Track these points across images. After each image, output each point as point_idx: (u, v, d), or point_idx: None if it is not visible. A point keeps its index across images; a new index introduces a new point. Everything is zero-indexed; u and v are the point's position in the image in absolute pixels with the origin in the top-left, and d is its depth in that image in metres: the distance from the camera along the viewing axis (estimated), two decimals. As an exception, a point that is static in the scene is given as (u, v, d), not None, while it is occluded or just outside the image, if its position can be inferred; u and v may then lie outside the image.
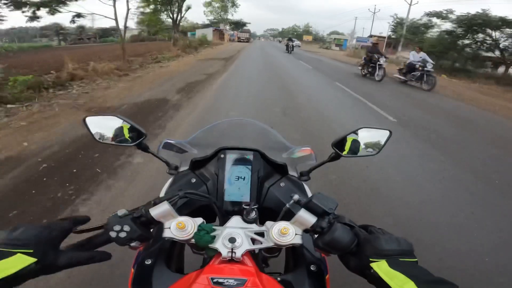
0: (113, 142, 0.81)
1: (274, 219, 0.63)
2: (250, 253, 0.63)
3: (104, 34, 41.90)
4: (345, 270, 0.59)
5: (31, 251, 0.46)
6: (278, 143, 1.01)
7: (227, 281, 0.50)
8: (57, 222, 0.54)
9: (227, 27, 64.37)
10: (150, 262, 0.67)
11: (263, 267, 0.80)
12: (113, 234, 0.55)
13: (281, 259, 0.93)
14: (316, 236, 0.60)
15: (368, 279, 0.54)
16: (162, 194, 0.81)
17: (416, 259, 0.52)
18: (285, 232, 0.57)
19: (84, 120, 0.80)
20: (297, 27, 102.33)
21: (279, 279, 0.63)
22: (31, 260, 0.46)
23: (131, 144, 0.81)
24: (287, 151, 0.97)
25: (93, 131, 0.81)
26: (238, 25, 68.52)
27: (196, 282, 0.50)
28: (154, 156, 0.87)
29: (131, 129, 0.81)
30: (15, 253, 0.45)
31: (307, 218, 0.58)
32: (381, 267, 0.50)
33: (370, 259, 0.51)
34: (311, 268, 0.68)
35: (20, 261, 0.45)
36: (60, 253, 0.51)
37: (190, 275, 0.55)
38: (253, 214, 0.65)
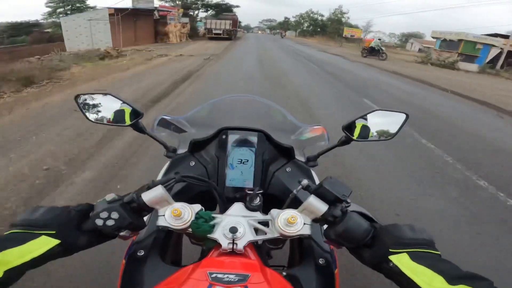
0: (107, 122, 0.76)
1: (279, 208, 0.57)
2: (253, 245, 0.58)
3: (16, 32, 23.79)
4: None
5: (54, 232, 0.47)
6: (286, 123, 0.94)
7: (227, 277, 0.44)
8: (75, 205, 0.53)
9: (204, 14, 33.93)
10: (142, 253, 0.61)
11: (267, 259, 0.74)
12: (99, 222, 0.49)
13: (283, 251, 0.88)
14: (326, 226, 0.55)
15: (386, 274, 0.48)
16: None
17: (439, 253, 0.46)
18: (292, 222, 0.52)
19: (75, 98, 0.74)
20: (316, 15, 59.36)
21: (284, 273, 0.58)
22: (55, 241, 0.46)
23: (127, 125, 0.75)
24: (296, 132, 0.90)
25: (85, 110, 0.75)
26: (220, 9, 36.19)
27: (192, 278, 0.45)
28: (151, 137, 0.80)
29: (127, 108, 0.75)
30: (39, 234, 0.46)
31: (318, 205, 0.52)
32: (402, 261, 0.45)
33: (390, 250, 0.46)
34: (320, 261, 0.62)
35: (44, 242, 0.45)
36: (81, 234, 0.51)
37: (186, 269, 0.50)
38: (257, 200, 0.59)
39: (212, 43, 20.84)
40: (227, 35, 25.76)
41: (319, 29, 54.40)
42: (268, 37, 50.36)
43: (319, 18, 58.32)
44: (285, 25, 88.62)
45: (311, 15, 61.40)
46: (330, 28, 45.38)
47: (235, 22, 29.31)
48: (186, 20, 24.80)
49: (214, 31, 25.68)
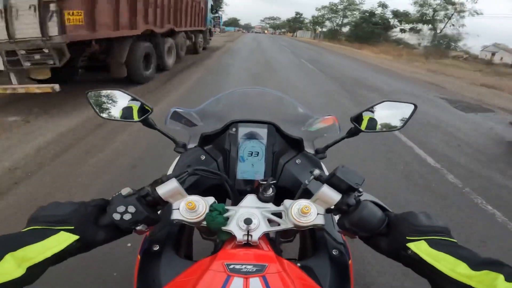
0: (117, 118, 0.78)
1: (289, 199, 0.57)
2: (266, 237, 0.58)
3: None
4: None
5: (72, 227, 0.46)
6: (296, 114, 0.94)
7: (244, 267, 0.45)
8: (91, 200, 0.53)
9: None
10: (157, 248, 0.62)
11: (280, 252, 0.75)
12: (116, 216, 0.49)
13: (293, 245, 0.88)
14: (339, 216, 0.55)
15: (404, 262, 0.48)
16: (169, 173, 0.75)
17: (455, 240, 0.46)
18: (306, 212, 0.52)
19: (86, 95, 0.76)
20: (362, 6, 33.99)
21: (299, 264, 0.58)
22: (74, 237, 0.46)
23: (136, 121, 0.77)
24: (306, 123, 0.91)
25: (96, 106, 0.77)
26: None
27: (210, 269, 0.45)
28: (160, 133, 0.81)
29: (135, 105, 0.77)
30: (58, 230, 0.45)
31: (331, 195, 0.52)
32: (421, 248, 0.45)
33: (407, 238, 0.46)
34: (333, 252, 0.63)
35: (64, 238, 0.45)
36: (98, 229, 0.50)
37: (202, 261, 0.51)
38: (270, 191, 0.60)
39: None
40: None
41: (362, 31, 28.47)
42: (279, 42, 27.88)
43: (374, 11, 29.66)
44: (296, 24, 68.04)
45: (352, 6, 33.22)
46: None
47: (204, 14, 10.14)
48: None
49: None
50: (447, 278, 0.41)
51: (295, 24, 70.47)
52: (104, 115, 0.77)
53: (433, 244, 0.44)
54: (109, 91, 0.78)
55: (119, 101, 0.77)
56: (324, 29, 44.78)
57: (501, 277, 0.36)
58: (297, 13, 69.94)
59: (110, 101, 0.78)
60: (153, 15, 5.66)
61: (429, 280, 0.45)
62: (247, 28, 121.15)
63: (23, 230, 0.45)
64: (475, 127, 4.72)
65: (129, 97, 0.76)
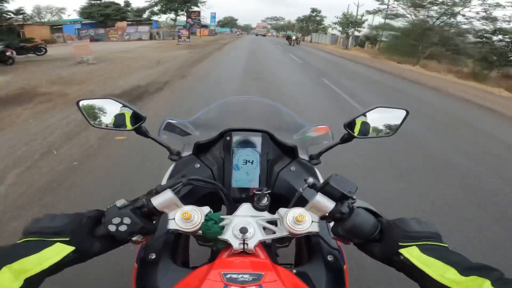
0: (110, 127, 0.76)
1: (284, 206, 0.58)
2: (262, 244, 0.59)
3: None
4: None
5: (68, 239, 0.47)
6: (289, 123, 0.95)
7: (241, 277, 0.45)
8: (86, 212, 0.53)
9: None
10: (154, 256, 0.62)
11: (276, 258, 0.75)
12: (112, 228, 0.50)
13: (289, 249, 0.89)
14: (333, 223, 0.56)
15: (396, 267, 0.49)
16: (164, 182, 0.75)
17: (447, 245, 0.47)
18: (301, 220, 0.53)
19: (77, 104, 0.75)
20: None
21: (294, 271, 0.59)
22: (70, 248, 0.46)
23: (129, 129, 0.75)
24: (300, 131, 0.91)
25: (87, 115, 0.76)
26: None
27: (208, 279, 0.46)
28: (154, 141, 0.81)
29: (127, 112, 0.76)
30: (54, 242, 0.46)
31: (325, 203, 0.53)
32: (412, 254, 0.45)
33: (400, 244, 0.47)
34: (328, 258, 0.63)
35: (60, 249, 0.45)
36: (94, 240, 0.51)
37: (199, 270, 0.51)
38: (264, 200, 0.60)
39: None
40: None
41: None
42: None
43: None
44: (311, 25, 51.11)
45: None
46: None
47: None
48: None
49: None
50: (436, 283, 0.41)
51: (308, 24, 51.71)
52: (96, 123, 0.77)
53: (424, 250, 0.45)
54: (101, 100, 0.77)
55: (111, 109, 0.76)
56: (358, 34, 31.35)
57: (487, 282, 0.37)
58: (313, 10, 49.75)
59: (102, 110, 0.77)
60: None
61: (420, 285, 0.46)
62: (246, 29, 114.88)
63: (18, 242, 0.45)
64: None
65: (121, 105, 0.75)
